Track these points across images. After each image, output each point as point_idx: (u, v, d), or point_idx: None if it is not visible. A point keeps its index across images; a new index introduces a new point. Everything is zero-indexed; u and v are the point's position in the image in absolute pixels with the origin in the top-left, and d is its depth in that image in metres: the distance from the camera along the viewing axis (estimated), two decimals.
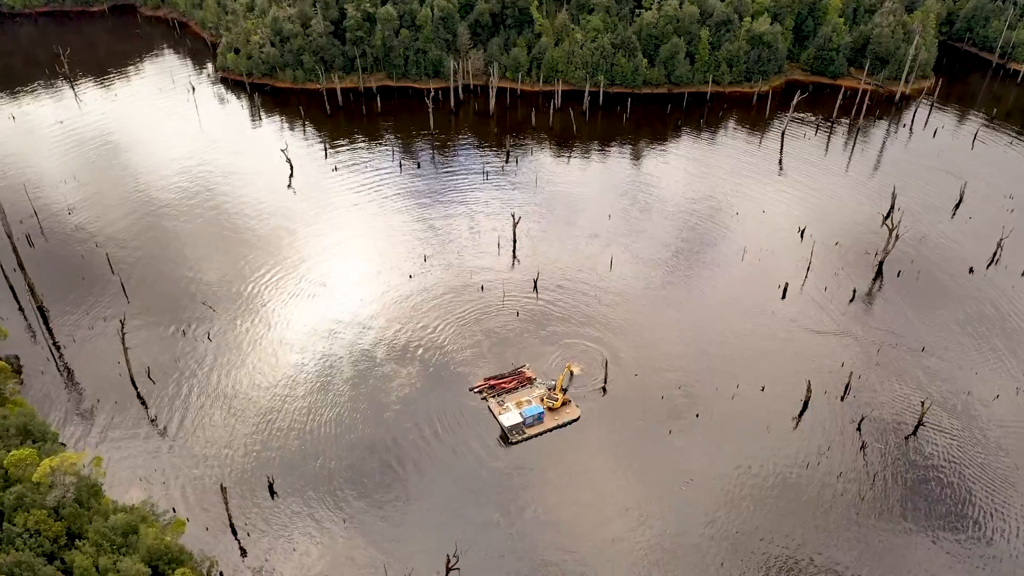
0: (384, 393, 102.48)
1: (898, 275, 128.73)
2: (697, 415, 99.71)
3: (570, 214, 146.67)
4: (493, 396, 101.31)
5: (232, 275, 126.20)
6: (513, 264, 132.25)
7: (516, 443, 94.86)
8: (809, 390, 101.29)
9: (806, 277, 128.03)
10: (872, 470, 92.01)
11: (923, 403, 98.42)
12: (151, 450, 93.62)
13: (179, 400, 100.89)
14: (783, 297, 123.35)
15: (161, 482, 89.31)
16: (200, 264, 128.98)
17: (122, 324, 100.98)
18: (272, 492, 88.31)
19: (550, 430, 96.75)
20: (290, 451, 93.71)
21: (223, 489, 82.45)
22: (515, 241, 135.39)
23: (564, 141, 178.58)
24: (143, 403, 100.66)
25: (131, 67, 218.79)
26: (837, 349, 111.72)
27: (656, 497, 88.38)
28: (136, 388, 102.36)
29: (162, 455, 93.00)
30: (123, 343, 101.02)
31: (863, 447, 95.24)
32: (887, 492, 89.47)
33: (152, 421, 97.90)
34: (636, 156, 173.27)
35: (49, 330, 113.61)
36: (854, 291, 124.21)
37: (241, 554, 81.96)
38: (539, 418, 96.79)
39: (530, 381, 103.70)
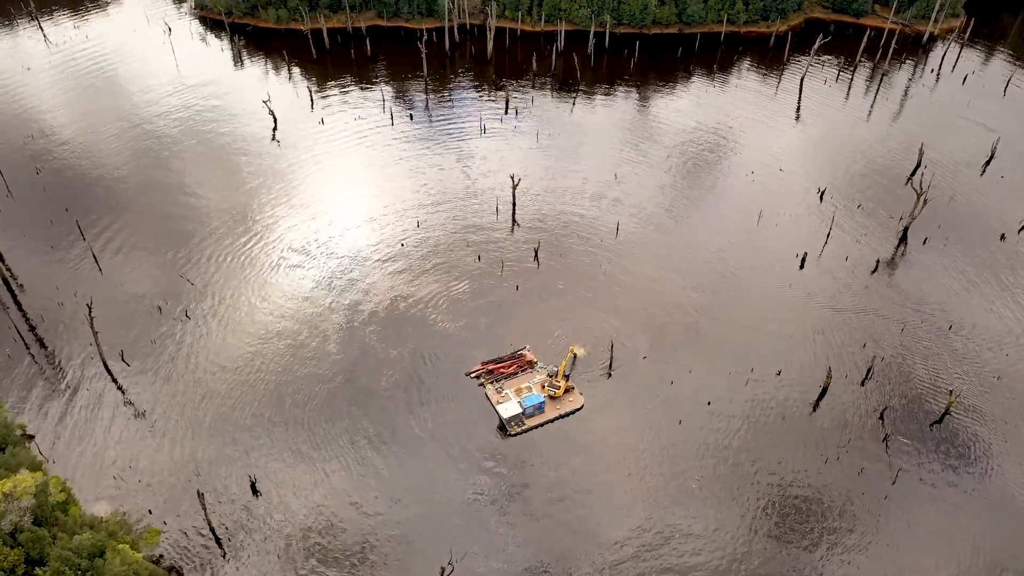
0: (372, 378, 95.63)
1: (924, 243, 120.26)
2: (709, 403, 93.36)
3: (573, 172, 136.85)
4: (491, 382, 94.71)
5: (210, 242, 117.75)
6: (513, 228, 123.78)
7: (515, 435, 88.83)
8: (829, 376, 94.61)
9: (825, 244, 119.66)
10: (895, 466, 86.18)
11: (951, 392, 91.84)
12: (125, 441, 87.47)
13: (155, 385, 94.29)
14: (801, 267, 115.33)
15: (136, 480, 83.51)
16: (176, 230, 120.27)
17: (89, 308, 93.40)
18: (255, 491, 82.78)
19: (551, 420, 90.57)
20: (273, 443, 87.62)
21: (200, 495, 76.72)
22: (514, 204, 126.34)
23: (567, 87, 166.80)
24: (118, 387, 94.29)
25: (102, 4, 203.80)
26: (858, 328, 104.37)
27: (665, 494, 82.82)
28: (109, 372, 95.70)
29: (136, 445, 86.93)
30: (92, 327, 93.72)
31: (886, 439, 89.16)
32: (913, 492, 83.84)
33: (126, 408, 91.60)
34: (644, 104, 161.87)
35: (19, 306, 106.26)
36: (877, 261, 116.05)
37: (222, 556, 77.11)
38: (540, 408, 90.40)
39: (531, 365, 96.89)
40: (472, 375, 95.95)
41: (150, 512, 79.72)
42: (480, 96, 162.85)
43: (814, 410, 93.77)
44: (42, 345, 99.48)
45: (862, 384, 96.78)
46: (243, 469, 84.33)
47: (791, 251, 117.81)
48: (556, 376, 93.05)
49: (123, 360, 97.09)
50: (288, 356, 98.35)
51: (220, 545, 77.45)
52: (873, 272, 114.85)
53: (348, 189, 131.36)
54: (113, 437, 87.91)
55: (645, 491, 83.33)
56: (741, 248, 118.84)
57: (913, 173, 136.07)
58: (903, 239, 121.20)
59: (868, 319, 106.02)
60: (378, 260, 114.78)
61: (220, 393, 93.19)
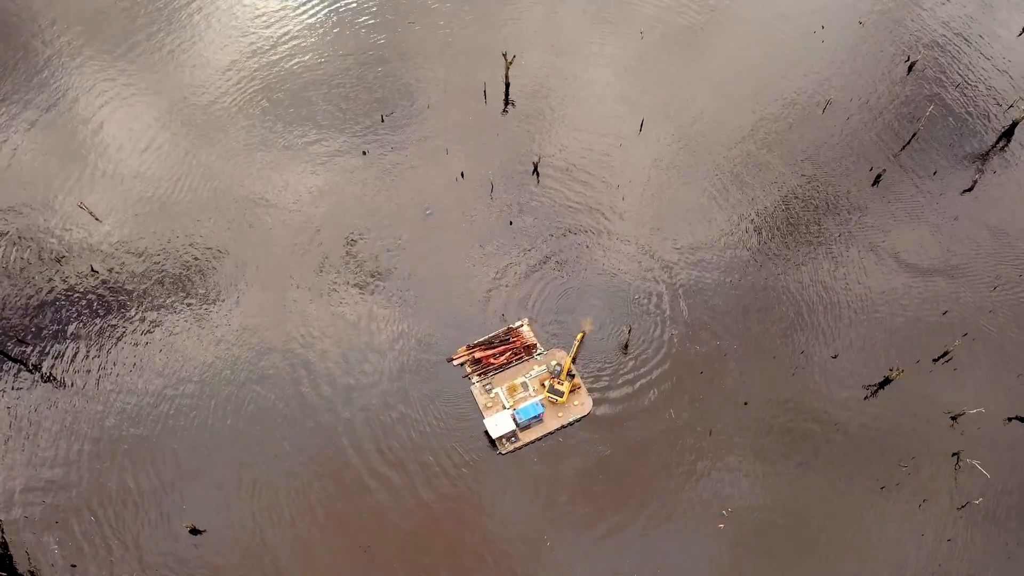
0: (324, 378, 76.94)
1: None
2: (746, 403, 75.99)
3: (584, 31, 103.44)
4: (478, 374, 76.23)
5: (118, 160, 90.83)
6: (505, 109, 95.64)
7: (507, 453, 72.72)
8: (899, 371, 75.99)
9: (908, 143, 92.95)
10: (964, 492, 71.37)
11: None
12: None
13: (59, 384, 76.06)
14: (875, 183, 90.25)
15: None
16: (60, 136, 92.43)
17: None
18: (195, 531, 68.80)
19: (551, 433, 73.83)
20: (207, 485, 71.65)
21: None
22: (508, 85, 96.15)
23: None
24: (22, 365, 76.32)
25: None
26: (941, 288, 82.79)
27: (685, 535, 69.36)
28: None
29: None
30: None
31: (957, 457, 73.38)
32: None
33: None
34: None
35: None
36: (974, 181, 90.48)
37: None
38: (538, 418, 73.24)
39: (528, 352, 77.53)
40: (455, 362, 77.18)
41: None
42: None
43: (873, 391, 77.15)
44: None
45: (934, 361, 78.79)
46: (178, 509, 69.53)
47: (864, 161, 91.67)
48: (560, 376, 74.33)
49: (17, 352, 77.54)
50: (233, 355, 78.37)
51: None
52: (967, 191, 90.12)
53: (286, 82, 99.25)
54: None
55: (657, 539, 69.51)
56: (803, 149, 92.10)
57: None
58: (1007, 135, 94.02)
59: (954, 268, 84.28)
60: (329, 173, 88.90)
61: (144, 393, 75.10)
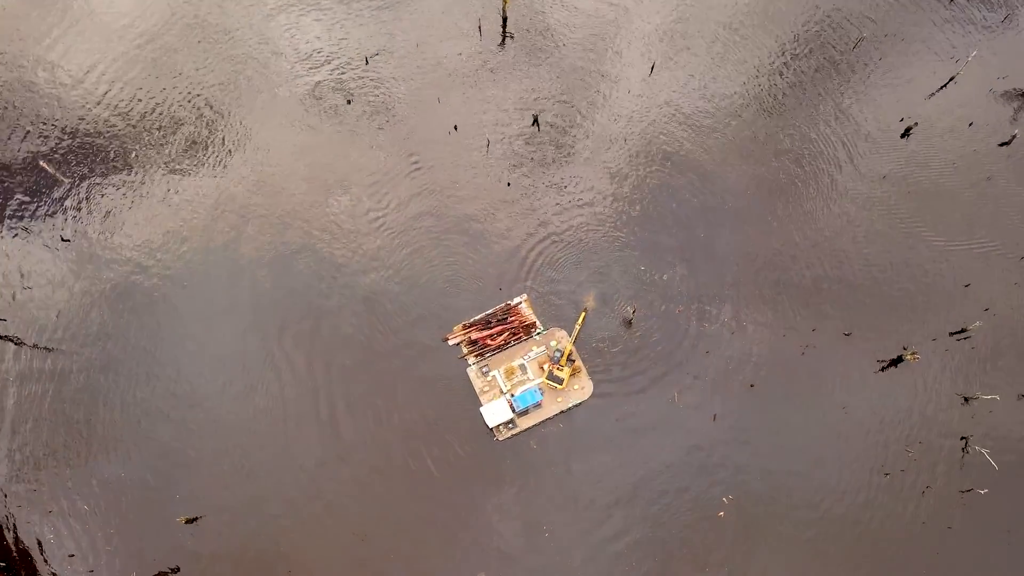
0: (303, 355, 73.56)
1: None
2: (752, 384, 73.25)
3: None
4: (474, 355, 72.92)
5: (80, 98, 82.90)
6: (503, 43, 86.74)
7: (504, 440, 70.77)
8: (914, 354, 72.65)
9: (942, 88, 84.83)
10: (971, 476, 70.25)
11: None
12: None
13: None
14: (904, 135, 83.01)
15: None
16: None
17: None
18: (190, 520, 68.21)
19: (551, 418, 71.43)
20: (202, 474, 70.27)
21: None
22: (505, 19, 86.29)
23: None
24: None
25: None
26: (966, 261, 77.90)
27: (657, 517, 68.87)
28: None
29: None
30: None
31: (965, 445, 71.56)
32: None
33: None
34: None
35: None
36: (1013, 135, 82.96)
37: None
38: (537, 404, 70.66)
39: (527, 331, 73.72)
40: (451, 341, 73.61)
41: None
42: None
43: (883, 367, 74.52)
44: None
45: (951, 336, 75.44)
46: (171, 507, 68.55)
47: (893, 112, 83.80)
48: (560, 361, 70.96)
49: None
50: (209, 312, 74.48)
51: None
52: (1005, 144, 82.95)
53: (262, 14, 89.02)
54: None
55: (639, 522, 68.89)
56: (823, 108, 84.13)
57: None
58: None
59: (984, 237, 78.86)
60: (304, 121, 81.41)
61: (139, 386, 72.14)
